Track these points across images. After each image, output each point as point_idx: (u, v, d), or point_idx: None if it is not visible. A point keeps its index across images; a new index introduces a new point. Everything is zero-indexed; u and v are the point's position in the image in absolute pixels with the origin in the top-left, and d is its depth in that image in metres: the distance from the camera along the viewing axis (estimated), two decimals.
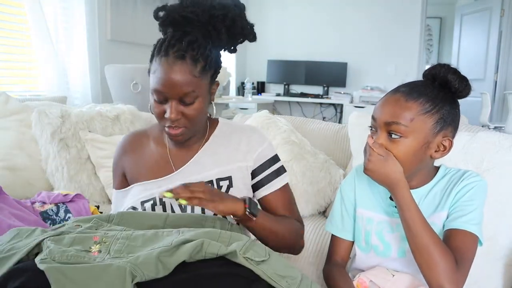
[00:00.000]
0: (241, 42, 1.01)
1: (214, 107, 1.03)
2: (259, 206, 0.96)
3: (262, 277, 0.69)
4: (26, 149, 1.70)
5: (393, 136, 0.84)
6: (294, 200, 1.09)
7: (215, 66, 0.96)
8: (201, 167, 1.00)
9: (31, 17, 2.42)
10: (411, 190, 0.92)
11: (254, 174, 1.03)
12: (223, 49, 1.00)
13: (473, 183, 0.88)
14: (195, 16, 0.91)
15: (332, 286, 0.96)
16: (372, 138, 0.87)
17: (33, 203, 1.39)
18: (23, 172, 1.66)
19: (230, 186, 0.99)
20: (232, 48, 1.01)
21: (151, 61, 0.94)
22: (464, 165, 1.16)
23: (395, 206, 0.91)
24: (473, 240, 0.85)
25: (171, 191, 0.81)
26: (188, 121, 0.93)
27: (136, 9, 3.42)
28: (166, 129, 0.94)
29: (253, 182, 1.04)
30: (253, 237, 1.01)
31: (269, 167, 1.04)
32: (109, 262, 0.69)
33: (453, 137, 0.89)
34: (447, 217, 0.89)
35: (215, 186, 0.98)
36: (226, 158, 1.01)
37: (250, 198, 0.91)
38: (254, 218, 0.90)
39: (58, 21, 2.67)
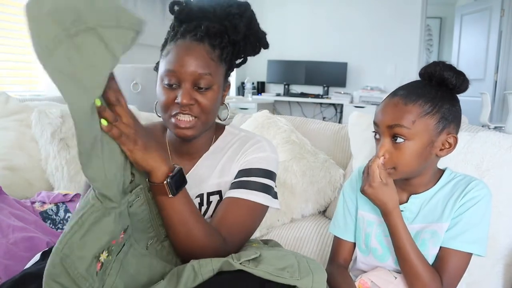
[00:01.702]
0: (251, 53, 0.96)
1: (229, 109, 0.98)
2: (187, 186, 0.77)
3: (266, 278, 0.68)
4: (26, 149, 1.70)
5: (397, 140, 0.84)
6: (246, 221, 0.86)
7: (229, 64, 0.91)
8: (200, 179, 0.92)
9: None
10: (414, 195, 0.93)
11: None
12: (235, 56, 0.94)
13: (478, 197, 0.86)
14: (212, 9, 0.88)
15: (334, 287, 0.96)
16: (376, 160, 0.86)
17: (33, 203, 1.40)
18: (23, 172, 1.66)
19: (220, 201, 0.91)
20: (242, 57, 0.96)
21: (162, 49, 0.89)
22: (464, 165, 1.15)
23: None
24: (468, 259, 0.87)
25: (101, 102, 0.63)
26: (200, 110, 0.84)
27: (136, 9, 3.42)
28: (173, 120, 0.84)
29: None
30: None
31: (243, 176, 0.89)
32: None
33: (457, 132, 0.89)
34: (447, 229, 0.88)
35: (205, 200, 0.91)
36: (219, 170, 0.93)
37: (181, 169, 0.74)
38: (170, 195, 0.73)
39: None
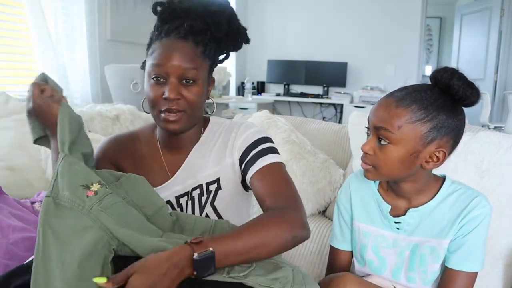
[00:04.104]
0: (233, 49, 0.99)
1: (215, 104, 1.01)
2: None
3: None
4: (26, 149, 1.69)
5: (381, 142, 0.83)
6: (284, 181, 0.90)
7: (213, 59, 0.94)
8: (194, 170, 0.96)
9: (31, 17, 2.41)
10: (413, 209, 0.90)
11: (240, 163, 0.95)
12: (218, 52, 0.97)
13: (481, 215, 0.84)
14: (194, 8, 0.91)
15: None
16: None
17: (33, 203, 1.39)
18: (23, 172, 1.66)
19: (218, 188, 0.96)
20: (225, 53, 0.99)
21: (148, 49, 0.93)
22: (464, 165, 1.16)
23: (396, 222, 0.91)
24: (476, 276, 0.86)
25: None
26: (187, 104, 0.88)
27: (136, 9, 3.42)
28: (162, 115, 0.88)
29: (242, 172, 0.96)
30: None
31: (251, 151, 0.94)
32: (94, 215, 0.73)
33: (451, 148, 0.84)
34: (449, 246, 0.87)
35: (204, 190, 0.96)
36: (214, 159, 0.97)
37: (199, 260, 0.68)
38: (213, 269, 0.70)
39: (58, 21, 2.67)
